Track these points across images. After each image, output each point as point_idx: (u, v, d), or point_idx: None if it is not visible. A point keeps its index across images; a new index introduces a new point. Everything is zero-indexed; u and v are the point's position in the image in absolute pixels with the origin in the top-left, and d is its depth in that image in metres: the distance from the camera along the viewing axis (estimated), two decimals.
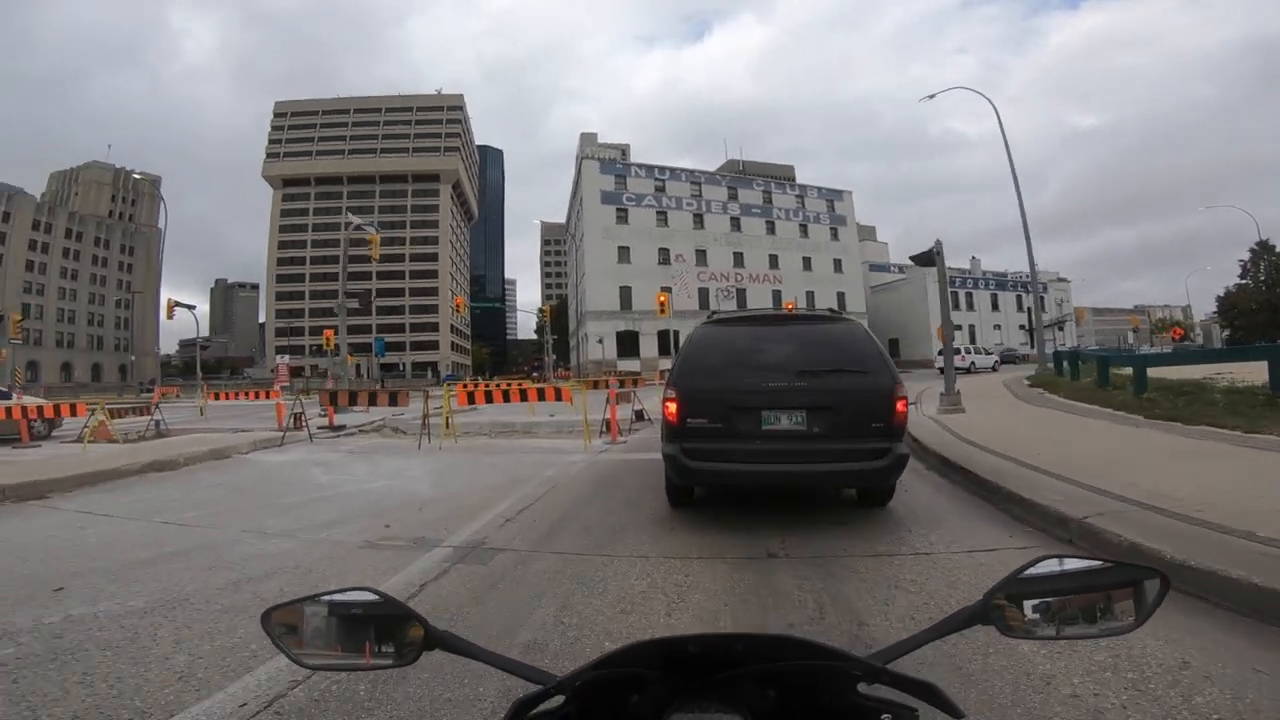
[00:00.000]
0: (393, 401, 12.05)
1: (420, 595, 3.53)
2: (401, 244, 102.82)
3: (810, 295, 61.80)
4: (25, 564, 4.19)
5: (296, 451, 10.37)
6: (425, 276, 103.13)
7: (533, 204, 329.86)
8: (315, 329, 72.82)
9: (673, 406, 4.72)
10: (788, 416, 4.56)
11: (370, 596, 0.86)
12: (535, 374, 66.10)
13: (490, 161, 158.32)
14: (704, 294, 59.87)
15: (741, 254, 64.13)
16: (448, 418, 11.22)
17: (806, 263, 66.55)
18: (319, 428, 13.63)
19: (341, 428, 13.93)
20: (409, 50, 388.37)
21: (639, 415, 13.52)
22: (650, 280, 55.64)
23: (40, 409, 12.35)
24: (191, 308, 39.16)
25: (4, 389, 13.37)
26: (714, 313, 5.89)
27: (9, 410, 11.66)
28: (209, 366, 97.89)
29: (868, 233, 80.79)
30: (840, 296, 62.49)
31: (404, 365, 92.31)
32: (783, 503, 5.34)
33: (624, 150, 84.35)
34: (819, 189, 71.29)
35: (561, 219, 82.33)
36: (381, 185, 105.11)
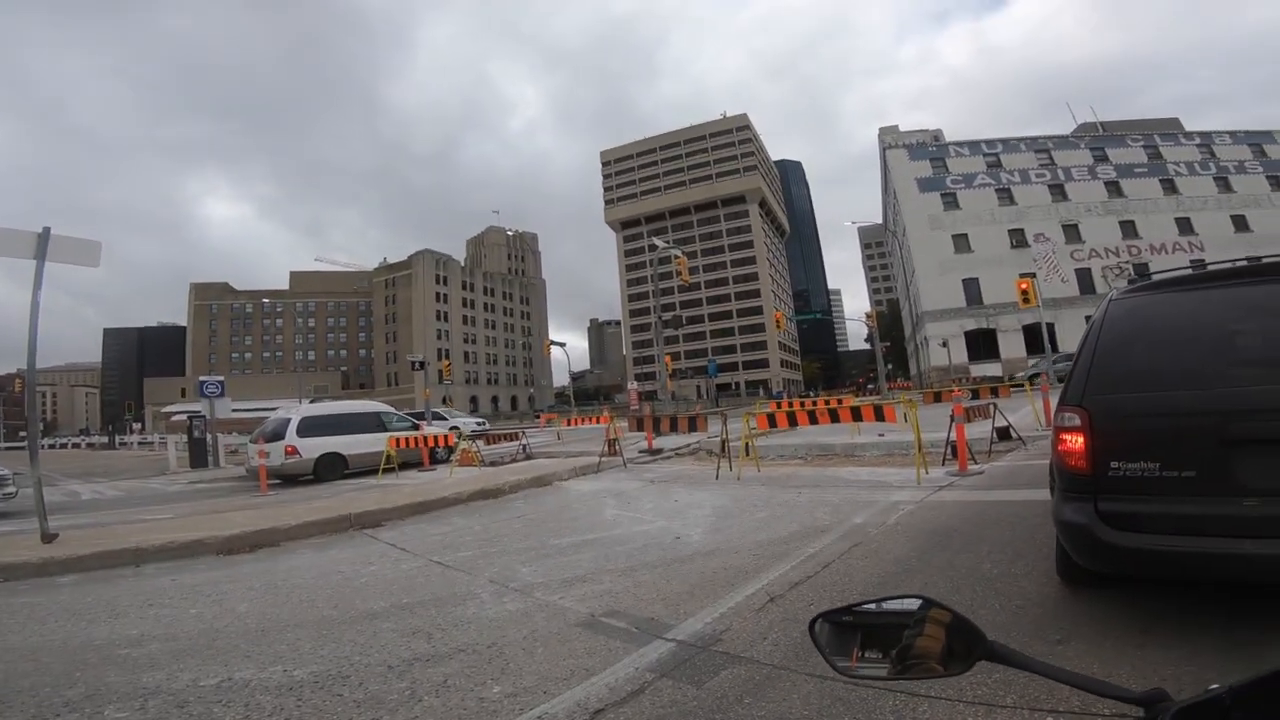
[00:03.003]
0: (691, 427, 11.39)
1: None
2: (723, 268, 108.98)
3: (1256, 261, 45.69)
4: (277, 607, 4.22)
5: (605, 479, 10.35)
6: (748, 297, 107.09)
7: (845, 207, 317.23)
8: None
9: (1076, 440, 2.75)
10: None
11: (916, 604, 0.88)
12: (870, 387, 61.35)
13: (791, 177, 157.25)
14: (1084, 275, 49.17)
15: (1131, 223, 51.23)
16: (747, 444, 9.99)
17: (1239, 222, 49.59)
18: (640, 451, 13.86)
19: (659, 451, 13.92)
20: (686, 65, 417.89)
21: (1003, 433, 10.27)
22: (1002, 268, 47.09)
23: (436, 438, 15.19)
24: (562, 345, 46.79)
25: (414, 421, 16.78)
26: (1141, 277, 3.43)
27: (416, 440, 14.53)
28: (589, 394, 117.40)
29: None
30: None
31: (738, 384, 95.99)
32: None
33: (935, 135, 74.82)
34: (1232, 133, 53.77)
35: (878, 219, 76.70)
36: (697, 214, 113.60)
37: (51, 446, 50.28)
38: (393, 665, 3.04)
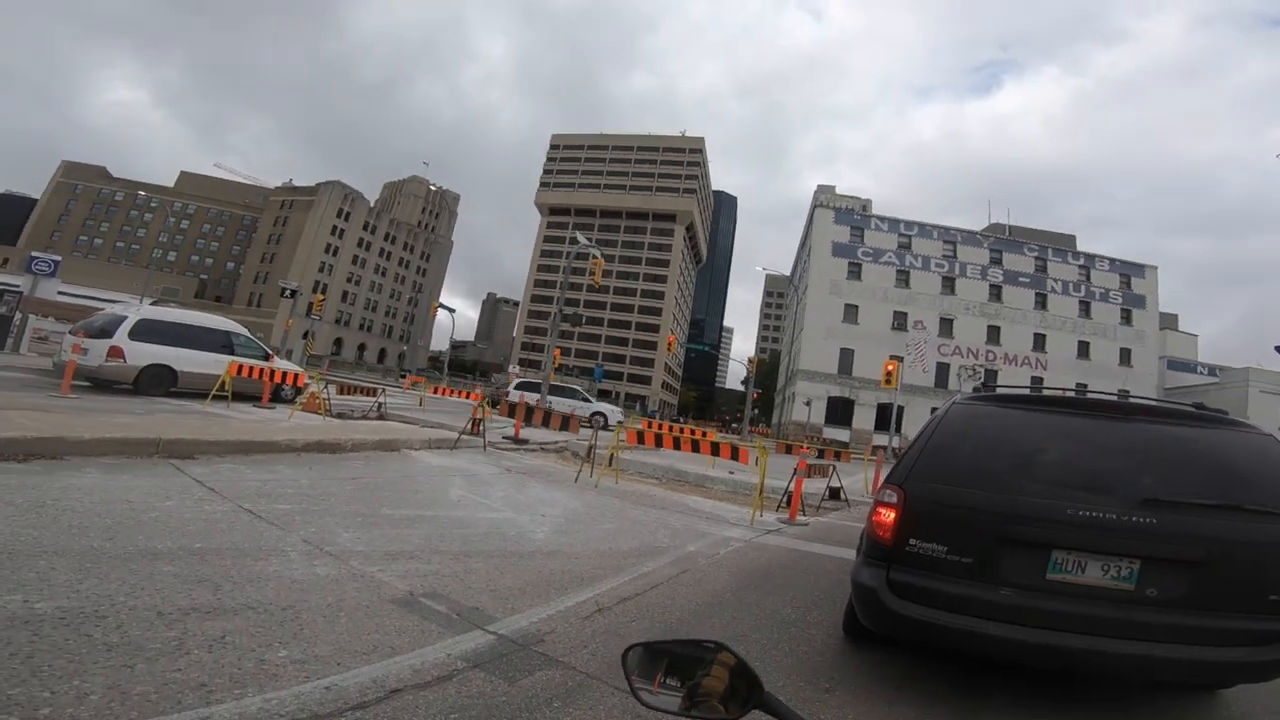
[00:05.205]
0: (563, 426, 11.37)
1: (374, 708, 2.27)
2: (635, 279, 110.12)
3: (1081, 391, 52.40)
4: (37, 529, 3.70)
5: (461, 458, 10.06)
6: (650, 313, 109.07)
7: (761, 252, 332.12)
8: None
9: (888, 515, 3.11)
10: (1104, 565, 2.83)
11: (718, 648, 0.97)
12: (734, 425, 64.34)
13: (724, 209, 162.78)
14: (942, 370, 54.05)
15: (998, 329, 56.67)
16: (612, 455, 10.15)
17: (1082, 349, 56.29)
18: (505, 437, 13.60)
19: (524, 442, 13.75)
20: (664, 61, 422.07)
21: (834, 494, 11.17)
22: (878, 346, 51.25)
23: (285, 375, 13.90)
24: (451, 310, 44.95)
25: (267, 350, 15.25)
26: (983, 385, 3.91)
27: (261, 371, 13.25)
28: (466, 367, 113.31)
29: (1169, 321, 65.64)
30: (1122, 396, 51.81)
31: (619, 394, 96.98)
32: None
33: (865, 205, 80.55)
34: (1111, 260, 60.24)
35: (788, 269, 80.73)
36: (626, 220, 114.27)
37: None
38: (164, 612, 2.77)
